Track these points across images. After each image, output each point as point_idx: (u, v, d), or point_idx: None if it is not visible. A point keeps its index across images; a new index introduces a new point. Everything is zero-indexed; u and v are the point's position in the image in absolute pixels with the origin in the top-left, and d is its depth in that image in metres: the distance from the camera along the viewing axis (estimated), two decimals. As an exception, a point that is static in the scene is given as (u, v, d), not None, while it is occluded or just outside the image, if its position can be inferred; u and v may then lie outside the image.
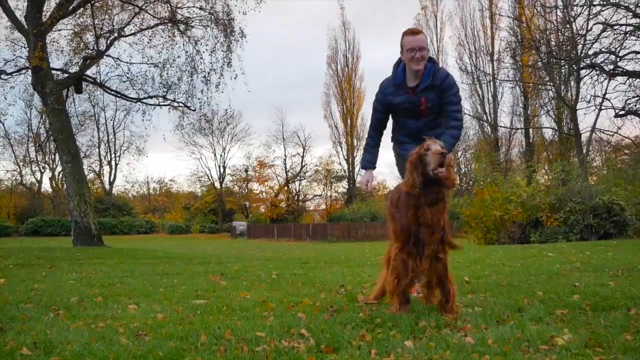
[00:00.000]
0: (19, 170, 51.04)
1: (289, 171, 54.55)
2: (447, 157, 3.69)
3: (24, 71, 20.61)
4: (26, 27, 17.66)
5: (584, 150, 26.81)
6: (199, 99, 21.27)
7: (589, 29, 21.85)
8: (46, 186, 53.29)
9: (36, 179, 52.28)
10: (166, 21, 20.38)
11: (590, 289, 4.67)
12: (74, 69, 20.76)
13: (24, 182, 51.97)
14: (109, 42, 20.67)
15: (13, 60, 20.72)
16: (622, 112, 22.28)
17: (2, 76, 20.50)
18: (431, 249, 3.76)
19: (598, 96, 22.89)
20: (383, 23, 70.25)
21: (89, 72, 20.90)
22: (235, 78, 20.70)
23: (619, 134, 25.22)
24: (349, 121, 49.65)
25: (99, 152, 53.90)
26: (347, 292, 5.02)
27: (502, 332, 3.17)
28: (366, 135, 5.06)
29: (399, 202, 3.92)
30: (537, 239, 17.06)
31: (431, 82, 4.60)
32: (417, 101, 4.66)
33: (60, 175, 44.28)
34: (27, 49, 18.24)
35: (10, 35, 20.42)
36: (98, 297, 4.96)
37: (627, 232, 16.81)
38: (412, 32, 4.60)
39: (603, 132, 26.39)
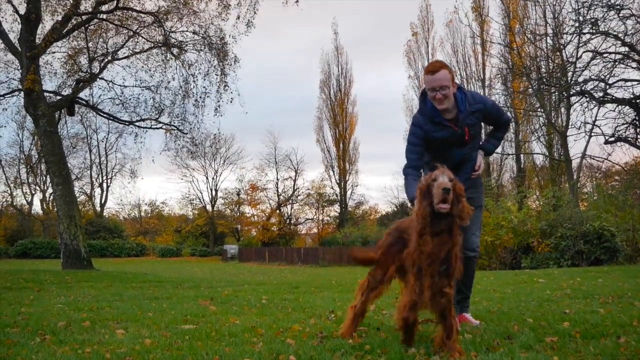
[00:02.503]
0: (9, 191, 50.81)
1: (281, 195, 54.52)
2: (458, 187, 3.40)
3: (16, 93, 20.60)
4: (19, 49, 17.69)
5: (575, 177, 26.97)
6: (190, 122, 21.32)
7: (578, 56, 22.14)
8: (37, 208, 53.02)
9: (27, 201, 52.02)
10: (160, 45, 20.48)
11: (581, 316, 4.67)
12: (66, 92, 20.77)
13: (15, 203, 51.69)
14: (102, 65, 20.73)
15: (6, 82, 20.76)
16: (612, 139, 22.46)
17: (-5, 98, 20.49)
18: (432, 281, 3.38)
19: (588, 123, 23.10)
20: (375, 49, 70.96)
21: (82, 95, 20.92)
22: (231, 101, 20.78)
23: (609, 161, 25.39)
24: (341, 145, 49.80)
25: (91, 174, 53.76)
26: (337, 318, 4.99)
27: (491, 359, 3.16)
28: (403, 171, 4.59)
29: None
30: (528, 265, 17.08)
31: (468, 110, 4.53)
32: (462, 133, 4.54)
33: (51, 197, 44.10)
34: (20, 71, 18.26)
35: (3, 57, 20.46)
36: (86, 321, 4.91)
37: (617, 259, 16.86)
38: (430, 71, 4.39)
39: (593, 159, 26.59)
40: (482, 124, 4.82)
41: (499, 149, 39.08)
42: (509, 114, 4.49)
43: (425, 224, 3.34)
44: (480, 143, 4.84)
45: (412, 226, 3.54)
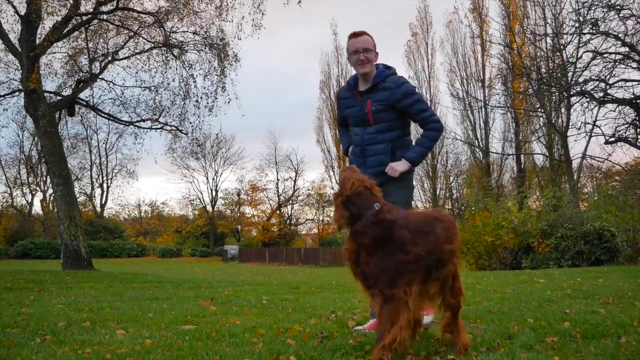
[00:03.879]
0: (9, 192, 50.83)
1: (281, 195, 54.56)
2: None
3: (16, 93, 20.60)
4: (20, 50, 17.70)
5: (575, 177, 26.98)
6: (191, 122, 21.31)
7: (579, 56, 22.18)
8: (37, 208, 53.06)
9: (27, 201, 52.07)
10: (160, 45, 20.47)
11: (581, 316, 4.67)
12: (67, 92, 20.76)
13: (15, 204, 51.71)
14: (102, 65, 20.71)
15: (6, 82, 20.76)
16: (612, 139, 22.49)
17: (-5, 98, 20.50)
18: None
19: (588, 123, 23.13)
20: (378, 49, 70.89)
21: (82, 95, 20.91)
22: (229, 102, 20.74)
23: (610, 161, 25.44)
24: (341, 146, 49.81)
25: (91, 174, 53.79)
26: (338, 318, 4.99)
27: (492, 359, 3.15)
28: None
29: None
30: (528, 265, 17.06)
31: (380, 83, 4.37)
32: (363, 105, 4.40)
33: (51, 197, 44.10)
34: (21, 71, 18.26)
35: (4, 58, 20.45)
36: (86, 322, 4.91)
37: (618, 259, 16.84)
38: (354, 35, 4.44)
39: (594, 159, 26.61)
40: (406, 117, 4.47)
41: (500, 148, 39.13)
42: (436, 117, 4.45)
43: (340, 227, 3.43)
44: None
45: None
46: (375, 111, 4.36)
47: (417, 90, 4.46)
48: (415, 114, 4.39)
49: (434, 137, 4.44)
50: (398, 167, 4.31)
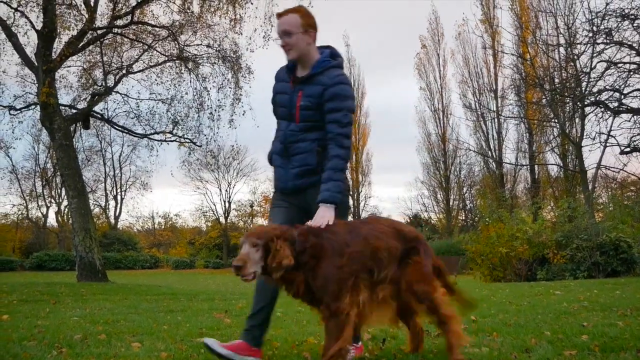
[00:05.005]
0: (25, 204, 51.19)
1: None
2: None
3: (32, 107, 20.83)
4: (36, 64, 17.90)
5: (590, 187, 26.75)
6: (205, 135, 21.41)
7: (593, 66, 22.06)
8: (52, 221, 53.36)
9: (42, 214, 52.37)
10: (174, 58, 20.64)
11: (599, 329, 4.61)
12: (82, 105, 20.98)
13: (30, 216, 52.07)
14: (117, 78, 20.92)
15: (22, 96, 21.00)
16: (628, 149, 22.32)
17: (12, 112, 20.73)
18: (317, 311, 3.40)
19: (603, 133, 22.97)
20: (387, 60, 71.01)
21: (96, 108, 21.11)
22: (243, 114, 20.86)
23: (625, 171, 25.28)
24: (354, 157, 49.73)
25: (105, 186, 54.05)
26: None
27: (509, 373, 3.13)
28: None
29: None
30: (543, 277, 16.92)
31: (317, 75, 3.70)
32: (293, 96, 3.76)
33: (66, 209, 44.38)
34: (37, 85, 18.47)
35: (20, 71, 20.70)
36: (102, 334, 4.93)
37: (634, 270, 16.66)
38: (278, 15, 3.76)
39: (609, 169, 26.41)
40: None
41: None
42: (348, 142, 3.56)
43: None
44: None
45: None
46: (303, 107, 3.72)
47: (351, 98, 3.69)
48: (328, 121, 3.64)
49: (341, 167, 3.67)
50: (325, 217, 3.49)
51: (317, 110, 3.65)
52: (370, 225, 3.45)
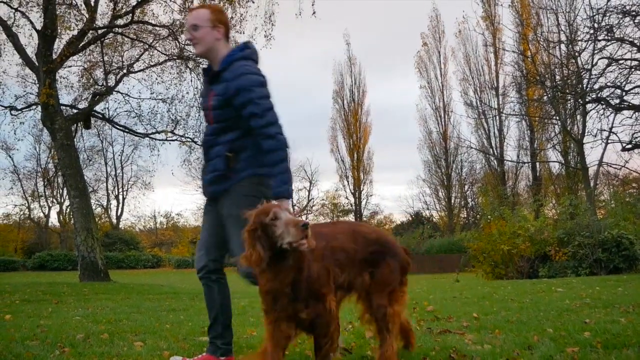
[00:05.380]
0: (27, 204, 51.26)
1: (295, 205, 54.56)
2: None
3: (33, 107, 20.86)
4: (37, 64, 17.91)
5: (592, 184, 26.74)
6: (206, 134, 21.39)
7: (594, 63, 22.03)
8: (54, 221, 53.42)
9: (44, 214, 52.44)
10: (175, 57, 20.65)
11: (601, 325, 4.61)
12: (83, 105, 21.01)
13: (32, 216, 52.13)
14: (118, 78, 20.94)
15: (23, 96, 21.04)
16: (629, 146, 22.28)
17: (13, 112, 20.77)
18: (282, 323, 3.12)
19: (605, 130, 22.93)
20: (388, 58, 71.03)
21: (97, 108, 21.14)
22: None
23: (627, 168, 25.21)
24: (355, 155, 49.75)
25: (107, 186, 54.09)
26: (355, 329, 4.97)
27: (512, 370, 3.13)
28: None
29: None
30: (545, 274, 16.90)
31: (223, 71, 3.49)
32: (206, 97, 3.59)
33: (68, 209, 44.41)
34: (37, 85, 18.48)
35: (21, 72, 20.73)
36: (104, 333, 4.93)
37: (637, 267, 16.64)
38: (189, 10, 3.53)
39: (610, 166, 26.36)
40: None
41: (508, 157, 38.81)
42: (273, 130, 3.22)
43: (262, 268, 2.94)
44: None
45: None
46: (213, 107, 3.52)
47: (258, 85, 3.41)
48: (245, 117, 3.39)
49: (278, 159, 3.34)
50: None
51: (228, 108, 3.44)
52: (330, 227, 3.39)
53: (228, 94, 3.40)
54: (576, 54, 23.67)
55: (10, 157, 45.05)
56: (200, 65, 20.88)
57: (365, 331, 4.73)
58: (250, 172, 3.47)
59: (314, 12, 19.26)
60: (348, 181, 50.93)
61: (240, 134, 3.46)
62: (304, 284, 2.99)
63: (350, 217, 52.93)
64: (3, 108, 20.71)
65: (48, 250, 46.30)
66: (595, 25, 20.27)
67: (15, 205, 50.76)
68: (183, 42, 20.20)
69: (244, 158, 3.46)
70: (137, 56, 21.13)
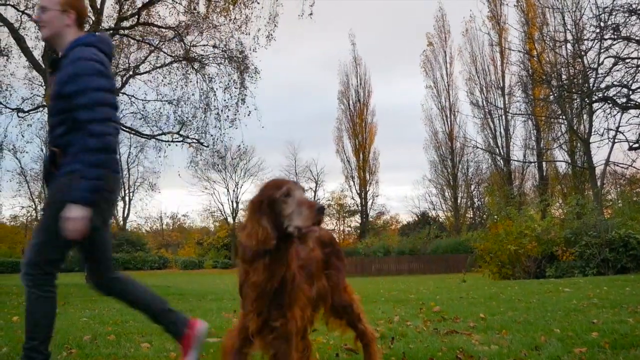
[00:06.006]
0: (34, 206, 51.47)
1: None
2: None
3: (40, 109, 20.96)
4: (43, 66, 17.99)
5: (599, 184, 26.62)
6: (212, 135, 21.46)
7: (600, 62, 21.93)
8: (60, 222, 53.64)
9: (51, 215, 52.64)
10: (181, 59, 20.71)
11: (609, 326, 4.59)
12: (89, 107, 21.08)
13: (39, 218, 52.37)
14: (124, 79, 21.02)
15: (30, 98, 21.15)
16: (636, 145, 22.19)
17: (20, 114, 20.88)
18: (258, 321, 2.67)
19: (611, 129, 22.83)
20: (393, 58, 70.98)
21: (104, 110, 21.17)
22: (249, 114, 20.90)
23: (634, 167, 25.11)
24: (361, 155, 49.72)
25: (113, 188, 54.27)
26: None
27: (519, 371, 3.12)
28: None
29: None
30: (552, 274, 16.85)
31: (63, 58, 3.23)
32: (50, 85, 3.27)
33: (75, 211, 44.53)
34: (44, 87, 18.55)
35: (28, 74, 20.83)
36: (111, 335, 4.95)
37: (644, 267, 16.57)
38: None
39: (617, 165, 26.26)
40: None
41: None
42: (99, 128, 2.82)
43: (263, 251, 2.54)
44: None
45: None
46: (51, 97, 3.20)
47: (96, 74, 3.06)
48: (74, 108, 3.05)
49: (94, 162, 2.98)
50: (71, 219, 2.99)
51: (63, 99, 3.08)
52: None
53: (62, 82, 3.10)
54: (582, 53, 23.57)
55: (17, 159, 45.23)
56: (207, 66, 20.96)
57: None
58: (69, 169, 3.08)
59: (311, 13, 19.38)
60: (354, 182, 50.92)
61: (69, 127, 3.09)
62: (289, 287, 2.66)
63: (357, 218, 52.90)
64: (10, 110, 20.82)
65: (55, 251, 46.48)
66: (602, 24, 20.20)
67: (22, 207, 51.03)
68: (189, 44, 20.27)
69: (71, 154, 3.08)
70: (143, 58, 21.21)
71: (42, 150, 49.02)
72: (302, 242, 2.60)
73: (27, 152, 29.91)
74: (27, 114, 21.05)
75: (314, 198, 53.30)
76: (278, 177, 2.66)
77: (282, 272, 2.59)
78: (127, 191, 55.21)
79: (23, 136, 21.50)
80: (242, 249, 2.65)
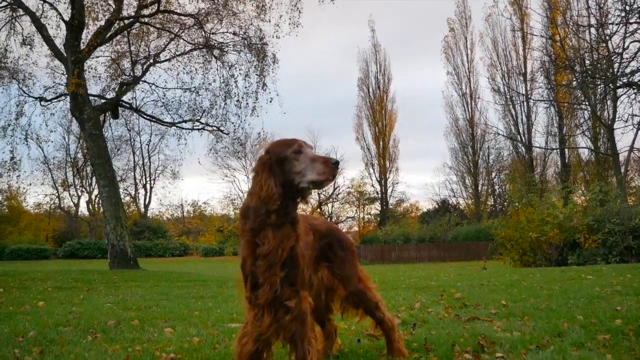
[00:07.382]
0: (57, 194, 52.09)
1: (321, 193, 54.57)
2: None
3: (62, 97, 21.16)
4: (65, 55, 18.14)
5: (622, 170, 26.25)
6: (232, 122, 21.52)
7: (625, 47, 21.57)
8: (83, 209, 54.23)
9: (74, 203, 53.23)
10: (201, 46, 20.75)
11: (633, 313, 4.54)
12: (110, 95, 21.27)
13: (62, 205, 52.98)
14: (144, 68, 21.13)
15: (52, 87, 21.36)
16: (662, 131, 21.86)
17: (42, 102, 21.10)
18: (270, 293, 2.60)
19: (636, 115, 22.53)
20: (414, 45, 70.38)
21: (125, 98, 21.36)
22: (270, 101, 20.90)
23: (659, 153, 24.71)
24: (381, 143, 49.53)
25: (134, 175, 54.73)
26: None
27: (542, 357, 3.10)
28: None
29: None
30: (574, 261, 16.71)
31: None
32: None
33: (97, 198, 45.05)
34: (66, 76, 18.73)
35: (50, 63, 21.02)
36: (134, 320, 5.00)
37: (668, 254, 16.36)
38: None
39: (642, 152, 25.87)
40: None
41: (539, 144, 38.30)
42: None
43: (272, 209, 2.50)
44: None
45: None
46: None
47: None
48: None
49: None
50: None
51: None
52: None
53: None
54: (607, 37, 23.19)
55: (40, 147, 45.75)
56: (227, 54, 20.95)
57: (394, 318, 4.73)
58: None
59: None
60: (374, 169, 50.76)
61: None
62: (298, 262, 2.60)
63: (377, 206, 52.78)
64: (34, 99, 21.05)
65: (78, 238, 47.06)
66: (627, 7, 19.86)
67: (46, 195, 51.62)
68: (209, 31, 20.29)
69: None
70: (163, 46, 21.29)
71: (64, 139, 49.74)
72: (304, 202, 2.60)
73: (51, 142, 30.23)
74: (49, 102, 21.27)
75: (334, 185, 53.34)
76: (289, 138, 2.62)
77: (291, 242, 2.55)
78: (148, 179, 55.69)
79: (47, 125, 21.73)
80: (245, 211, 2.62)
